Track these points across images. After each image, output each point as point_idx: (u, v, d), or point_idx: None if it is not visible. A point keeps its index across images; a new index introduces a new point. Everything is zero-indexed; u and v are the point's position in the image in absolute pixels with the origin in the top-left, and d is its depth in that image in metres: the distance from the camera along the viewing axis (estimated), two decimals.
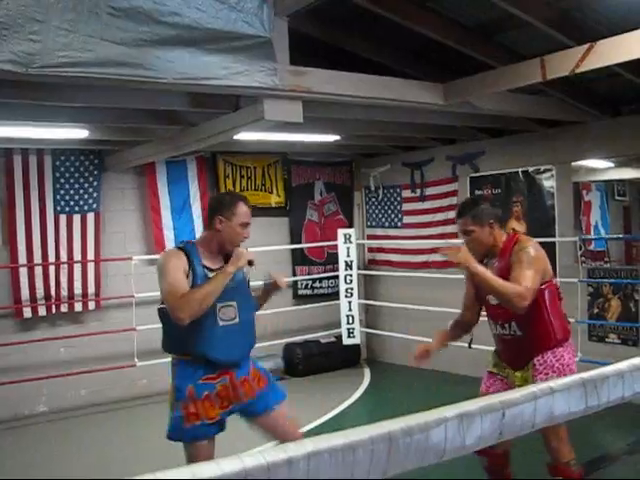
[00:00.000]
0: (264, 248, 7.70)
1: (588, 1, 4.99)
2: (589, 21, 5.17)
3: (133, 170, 8.43)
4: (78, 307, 7.99)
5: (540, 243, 4.09)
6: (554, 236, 7.61)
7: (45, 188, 7.75)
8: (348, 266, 9.17)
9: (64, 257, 7.87)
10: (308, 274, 9.71)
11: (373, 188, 10.05)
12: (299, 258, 9.66)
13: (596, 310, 7.40)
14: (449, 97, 5.87)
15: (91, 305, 8.10)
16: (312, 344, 9.40)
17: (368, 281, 10.23)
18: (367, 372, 9.42)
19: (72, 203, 7.93)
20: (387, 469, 1.32)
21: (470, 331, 4.40)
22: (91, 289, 8.06)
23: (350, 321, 9.15)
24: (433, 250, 9.08)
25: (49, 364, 7.64)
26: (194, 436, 3.62)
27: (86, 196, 8.02)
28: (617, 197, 8.00)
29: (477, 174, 8.61)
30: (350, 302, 9.17)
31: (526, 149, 8.02)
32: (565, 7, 5.03)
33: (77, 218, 7.97)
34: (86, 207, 8.02)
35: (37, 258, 7.69)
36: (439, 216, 9.10)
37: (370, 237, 10.24)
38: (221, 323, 3.66)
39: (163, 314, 3.69)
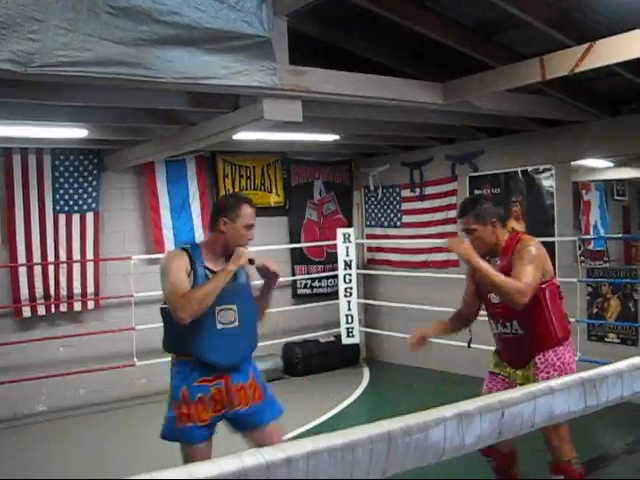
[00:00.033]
0: (263, 247, 7.71)
1: (587, 1, 4.99)
2: (588, 21, 5.17)
3: (132, 170, 8.43)
4: (77, 306, 7.99)
5: (540, 242, 4.10)
6: (553, 236, 7.61)
7: (44, 187, 7.75)
8: (347, 265, 9.17)
9: (63, 256, 7.87)
10: (307, 273, 9.71)
11: (372, 187, 10.05)
12: (298, 257, 9.66)
13: (595, 310, 7.40)
14: (448, 97, 5.87)
15: (90, 305, 8.09)
16: (311, 344, 9.39)
17: (367, 280, 10.23)
18: (366, 371, 9.42)
19: (71, 202, 7.93)
20: (386, 468, 1.32)
21: (469, 326, 4.39)
22: (90, 288, 8.05)
23: (349, 320, 9.14)
24: (432, 249, 9.10)
25: (48, 363, 7.64)
26: (185, 437, 3.61)
27: (85, 195, 8.01)
28: (616, 197, 8.00)
29: (476, 174, 8.61)
30: (349, 301, 9.16)
31: (525, 149, 8.02)
32: (564, 7, 5.03)
33: (76, 217, 7.96)
34: (85, 207, 8.02)
35: (36, 257, 7.69)
36: (438, 215, 9.10)
37: (369, 236, 10.24)
38: (219, 326, 3.64)
39: (165, 314, 3.70)
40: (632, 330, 7.15)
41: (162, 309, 3.74)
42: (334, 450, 1.24)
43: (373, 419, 1.41)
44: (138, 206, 8.56)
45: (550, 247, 6.99)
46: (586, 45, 4.82)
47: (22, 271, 7.61)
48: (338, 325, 9.20)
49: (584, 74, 5.22)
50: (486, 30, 5.71)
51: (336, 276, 9.43)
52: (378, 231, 10.09)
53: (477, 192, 8.53)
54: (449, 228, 8.80)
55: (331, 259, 9.68)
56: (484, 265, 3.79)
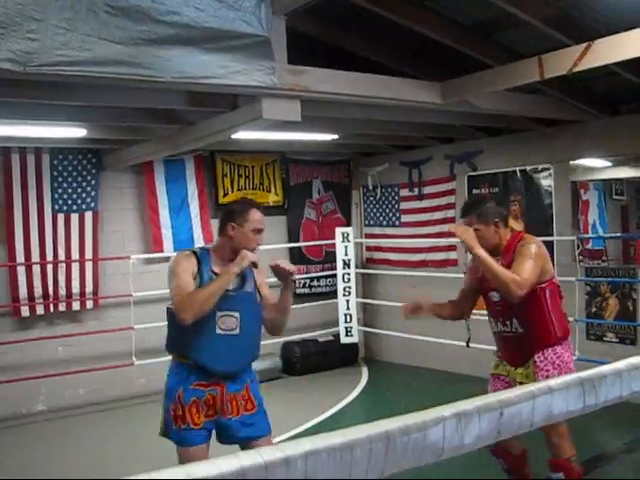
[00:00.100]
0: (262, 247, 7.65)
1: (586, 0, 4.99)
2: (587, 20, 5.17)
3: (131, 169, 8.43)
4: (76, 306, 7.99)
5: (541, 242, 4.12)
6: (552, 235, 7.61)
7: (43, 187, 7.74)
8: (346, 265, 9.18)
9: (62, 256, 7.87)
10: (306, 273, 9.71)
11: (371, 187, 10.06)
12: (297, 257, 9.65)
13: (594, 309, 7.40)
14: (447, 96, 5.87)
15: (89, 304, 8.09)
16: (310, 343, 9.40)
17: (366, 280, 10.24)
18: (365, 371, 9.43)
19: (70, 202, 7.93)
20: (385, 468, 1.32)
21: (457, 318, 4.40)
22: (89, 288, 8.05)
23: (348, 320, 9.15)
24: (431, 249, 9.10)
25: (47, 363, 7.64)
26: (180, 439, 3.61)
27: (84, 195, 8.01)
28: (615, 196, 8.00)
29: (475, 173, 8.62)
30: (348, 301, 9.17)
31: (524, 148, 8.02)
32: (563, 6, 5.03)
33: (75, 217, 7.96)
34: (84, 206, 8.02)
35: (35, 257, 7.68)
36: (437, 215, 9.10)
37: (368, 236, 10.24)
38: (219, 332, 3.62)
39: (170, 314, 3.69)
40: (630, 329, 7.16)
41: (168, 309, 3.74)
42: (333, 450, 1.23)
43: (372, 418, 1.41)
44: (137, 205, 8.56)
45: (549, 246, 6.97)
46: (585, 44, 4.82)
47: (21, 270, 7.61)
48: (337, 324, 9.21)
49: (583, 73, 5.22)
50: (484, 29, 5.71)
51: (335, 275, 9.43)
52: (377, 230, 10.09)
53: (476, 191, 8.53)
54: (447, 227, 8.79)
55: (330, 258, 9.68)
56: (485, 254, 3.83)
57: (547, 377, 3.81)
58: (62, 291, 7.86)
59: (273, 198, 9.48)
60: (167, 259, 8.26)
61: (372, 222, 10.16)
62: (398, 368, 9.51)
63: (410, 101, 5.83)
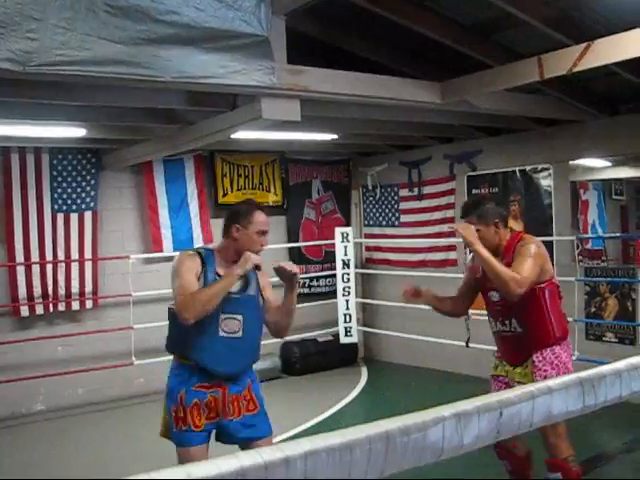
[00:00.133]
0: None
1: (586, 0, 4.99)
2: (587, 20, 5.17)
3: (131, 169, 8.43)
4: (75, 306, 7.99)
5: (541, 242, 4.13)
6: (551, 235, 7.62)
7: (42, 187, 7.74)
8: (345, 265, 9.18)
9: (61, 256, 7.86)
10: (305, 273, 9.69)
11: (370, 187, 10.06)
12: (296, 257, 9.64)
13: (593, 309, 7.40)
14: (446, 96, 5.87)
15: (88, 304, 8.09)
16: (309, 343, 9.39)
17: (365, 280, 10.24)
18: (364, 371, 9.43)
19: (69, 202, 7.93)
20: (384, 468, 1.32)
21: (454, 314, 4.40)
22: (88, 288, 8.05)
23: (347, 320, 9.15)
24: (430, 249, 9.10)
25: (46, 363, 7.64)
26: (180, 440, 3.60)
27: (83, 195, 8.01)
28: (614, 196, 8.01)
29: (475, 173, 8.62)
30: (347, 301, 9.17)
31: (524, 148, 8.03)
32: (563, 6, 5.03)
33: (74, 217, 7.96)
34: (83, 206, 8.01)
35: (34, 257, 7.68)
36: (436, 215, 9.10)
37: (367, 236, 10.24)
38: (222, 334, 3.61)
39: (171, 314, 3.69)
40: (630, 329, 7.16)
41: (170, 309, 3.73)
42: (332, 450, 1.23)
43: (371, 418, 1.41)
44: (136, 205, 8.56)
45: (548, 246, 6.97)
46: (584, 44, 4.82)
47: (20, 270, 7.60)
48: (336, 324, 9.21)
49: (582, 73, 5.22)
50: (484, 29, 5.71)
51: (334, 275, 9.43)
52: (376, 230, 10.09)
53: (475, 191, 8.54)
54: (446, 227, 8.80)
55: (329, 258, 9.68)
56: (485, 252, 3.85)
57: (545, 377, 3.83)
58: (61, 291, 7.86)
59: (272, 198, 9.47)
60: (166, 259, 8.28)
61: (371, 222, 10.16)
62: (398, 368, 9.51)
63: (410, 101, 5.83)
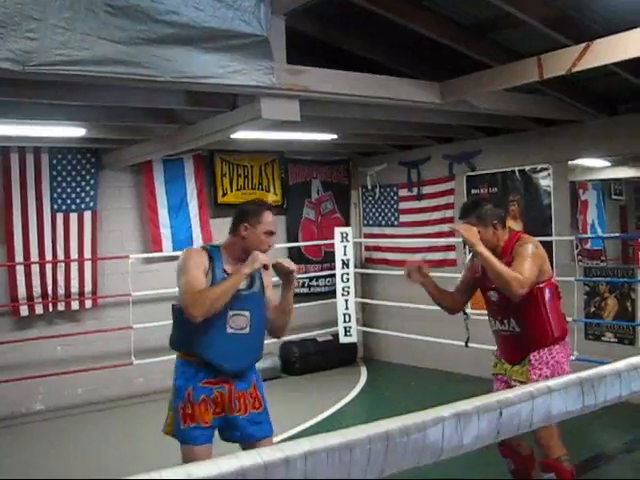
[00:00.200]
0: None
1: (585, 0, 4.99)
2: (586, 20, 5.17)
3: (130, 168, 8.42)
4: (75, 305, 7.99)
5: (539, 242, 4.15)
6: (551, 235, 7.62)
7: (42, 186, 7.74)
8: (345, 265, 9.18)
9: (61, 255, 7.86)
10: (305, 272, 9.69)
11: (370, 187, 10.06)
12: (296, 256, 9.63)
13: (593, 309, 7.41)
14: (445, 96, 5.87)
15: (88, 303, 8.09)
16: (309, 343, 9.40)
17: (365, 280, 10.24)
18: (364, 370, 9.43)
19: (69, 201, 7.92)
20: (384, 468, 1.32)
21: (450, 309, 4.40)
22: (88, 287, 8.05)
23: (347, 320, 9.15)
24: (430, 249, 9.10)
25: (46, 362, 7.64)
26: (188, 438, 3.60)
27: (83, 194, 8.01)
28: (614, 196, 8.01)
29: (474, 173, 8.62)
30: (347, 300, 9.17)
31: (523, 148, 8.03)
32: (562, 6, 5.03)
33: (74, 216, 7.96)
34: (83, 205, 8.01)
35: (34, 256, 7.68)
36: (436, 215, 9.11)
37: (367, 236, 10.25)
38: (229, 330, 3.63)
39: (176, 311, 3.69)
40: (629, 329, 7.16)
41: (174, 306, 3.74)
42: (332, 450, 1.24)
43: (371, 418, 1.41)
44: (136, 205, 8.56)
45: (548, 246, 6.99)
46: (583, 45, 4.83)
47: (20, 270, 7.60)
48: (336, 324, 9.21)
49: (581, 73, 5.22)
50: (483, 29, 5.72)
51: (334, 275, 9.43)
52: (376, 230, 10.10)
53: (474, 191, 8.54)
54: (446, 227, 8.80)
55: (329, 258, 9.68)
56: (487, 252, 3.87)
57: (539, 376, 3.88)
58: (61, 290, 7.86)
59: (272, 198, 9.46)
60: (166, 259, 8.29)
61: (371, 222, 10.16)
62: (397, 368, 9.52)
63: (409, 101, 5.83)
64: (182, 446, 3.63)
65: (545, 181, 7.82)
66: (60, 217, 7.88)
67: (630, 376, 1.78)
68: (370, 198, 10.12)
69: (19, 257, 7.60)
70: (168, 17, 4.00)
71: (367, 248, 10.27)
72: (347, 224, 10.07)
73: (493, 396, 1.56)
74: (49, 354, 7.73)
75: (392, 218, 9.79)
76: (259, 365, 3.97)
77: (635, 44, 4.55)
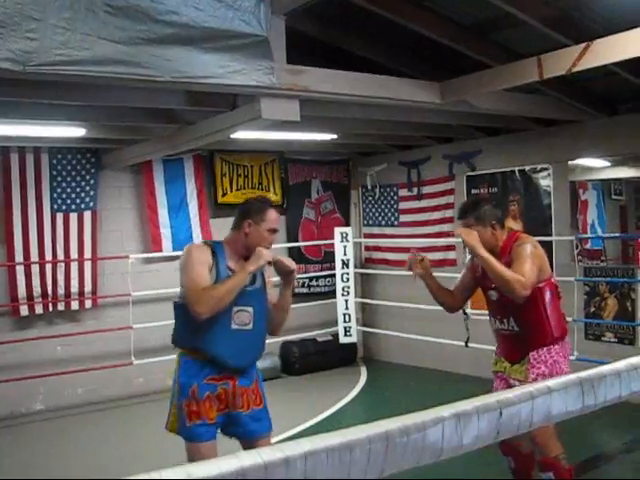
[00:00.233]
0: None
1: (585, 0, 4.99)
2: (586, 20, 5.17)
3: (130, 168, 8.43)
4: (75, 305, 7.99)
5: (537, 242, 4.15)
6: (551, 235, 7.62)
7: (42, 186, 7.74)
8: (345, 265, 9.18)
9: (61, 255, 7.86)
10: (305, 272, 9.69)
11: (370, 187, 10.06)
12: (296, 256, 9.61)
13: (592, 309, 7.41)
14: (446, 96, 5.87)
15: (88, 303, 8.09)
16: (309, 343, 9.40)
17: (365, 280, 10.24)
18: (364, 370, 9.43)
19: (69, 201, 7.92)
20: (384, 468, 1.32)
21: (448, 307, 4.40)
22: (88, 287, 8.05)
23: (347, 320, 9.15)
24: (430, 249, 9.09)
25: (46, 362, 7.64)
26: (192, 435, 3.60)
27: (83, 194, 8.01)
28: (614, 196, 8.01)
29: (474, 173, 8.62)
30: (347, 300, 9.17)
31: (523, 148, 8.03)
32: (562, 6, 5.03)
33: (74, 216, 7.96)
34: (83, 205, 8.01)
35: (34, 256, 7.68)
36: (436, 215, 9.11)
37: (367, 236, 10.25)
38: (234, 327, 3.64)
39: (179, 307, 3.69)
40: (629, 329, 7.16)
41: (175, 303, 3.74)
42: (332, 450, 1.24)
43: (370, 418, 1.41)
44: (136, 205, 8.56)
45: (547, 246, 7.00)
46: (583, 45, 4.83)
47: (20, 270, 7.60)
48: (335, 324, 9.21)
49: (581, 73, 5.22)
50: (483, 29, 5.72)
51: (334, 275, 9.43)
52: (375, 230, 10.10)
53: (474, 191, 8.54)
54: (446, 227, 8.82)
55: (329, 258, 9.68)
56: (488, 256, 3.88)
57: (537, 374, 3.91)
58: (61, 290, 7.86)
59: (272, 198, 9.43)
60: (166, 259, 8.29)
61: (371, 222, 10.16)
62: (397, 368, 9.52)
63: (409, 101, 5.83)
64: (188, 444, 3.63)
65: (545, 181, 7.82)
66: (60, 217, 7.88)
67: (630, 376, 1.78)
68: (370, 198, 10.13)
69: (19, 257, 7.60)
70: (168, 17, 4.00)
71: (367, 248, 10.27)
72: (347, 224, 10.08)
73: (493, 396, 1.56)
74: (49, 354, 7.73)
75: (392, 218, 9.80)
76: (259, 365, 3.98)
77: (635, 44, 4.55)
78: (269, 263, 3.68)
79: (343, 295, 9.18)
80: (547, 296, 4.01)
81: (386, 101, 5.74)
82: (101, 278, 8.19)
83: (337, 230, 9.22)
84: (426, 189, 9.27)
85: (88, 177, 8.06)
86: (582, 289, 7.44)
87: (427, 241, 9.05)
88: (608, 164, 7.73)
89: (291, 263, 3.85)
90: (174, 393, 3.71)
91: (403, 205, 9.62)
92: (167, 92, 5.27)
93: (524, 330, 4.00)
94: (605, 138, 7.21)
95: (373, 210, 10.08)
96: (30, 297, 7.65)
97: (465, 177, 8.71)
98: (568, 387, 1.65)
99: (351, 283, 9.20)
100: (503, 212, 4.53)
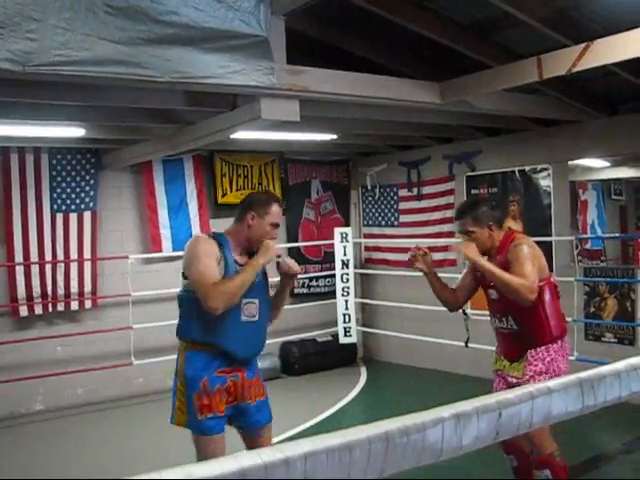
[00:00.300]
0: None
1: (585, 0, 4.99)
2: (585, 20, 5.17)
3: (130, 169, 8.42)
4: (75, 306, 7.99)
5: (536, 242, 4.21)
6: (551, 235, 7.62)
7: (42, 187, 7.74)
8: (345, 265, 9.18)
9: (61, 256, 7.86)
10: (305, 273, 9.68)
11: (370, 187, 10.06)
12: (296, 257, 9.59)
13: (592, 309, 7.41)
14: (446, 96, 5.87)
15: (88, 304, 8.09)
16: (308, 343, 9.39)
17: (365, 280, 10.24)
18: (363, 371, 9.43)
19: (69, 202, 7.92)
20: (384, 469, 1.32)
21: (449, 305, 4.42)
22: (88, 288, 8.05)
23: (346, 320, 9.15)
24: (429, 249, 9.09)
25: (46, 363, 7.63)
26: (204, 429, 3.59)
27: (83, 195, 8.01)
28: (613, 196, 8.01)
29: (474, 173, 8.62)
30: (347, 301, 9.17)
31: (523, 148, 8.03)
32: (561, 6, 5.03)
33: (74, 217, 7.95)
34: (83, 206, 8.01)
35: (34, 256, 7.68)
36: (436, 215, 9.11)
37: (367, 236, 10.25)
38: (243, 319, 3.67)
39: (186, 301, 3.69)
40: (629, 330, 7.16)
41: (180, 296, 3.75)
42: (332, 451, 1.24)
43: (370, 419, 1.41)
44: (135, 205, 8.56)
45: (547, 246, 7.01)
46: (583, 45, 4.83)
47: (19, 270, 7.60)
48: (335, 324, 9.21)
49: (581, 74, 5.22)
50: (483, 29, 5.71)
51: (333, 275, 9.43)
52: (375, 230, 10.09)
53: (474, 192, 8.54)
54: (446, 227, 8.82)
55: (328, 258, 9.68)
56: (491, 267, 3.93)
57: (534, 372, 3.96)
58: (61, 291, 7.86)
59: None
60: (166, 259, 8.30)
61: (371, 222, 10.16)
62: (397, 368, 9.51)
63: (409, 101, 5.83)
64: (198, 437, 3.62)
65: (545, 181, 7.82)
66: (60, 217, 7.88)
67: (630, 376, 1.78)
68: (370, 198, 10.12)
69: (19, 257, 7.60)
70: (168, 17, 4.00)
71: (367, 248, 10.27)
72: (347, 224, 10.08)
73: (492, 397, 1.56)
74: (49, 354, 7.73)
75: (392, 218, 9.79)
76: (259, 365, 4.00)
77: (635, 44, 4.55)
78: (278, 256, 3.74)
79: (343, 295, 9.18)
80: (546, 295, 4.03)
81: (386, 101, 5.74)
82: (101, 278, 8.19)
83: (337, 230, 9.22)
84: (426, 189, 9.27)
85: (88, 177, 8.05)
86: (582, 289, 7.43)
87: (427, 241, 9.02)
88: (608, 164, 7.73)
89: (295, 266, 3.89)
90: (180, 387, 3.69)
91: (403, 205, 9.62)
92: (167, 92, 5.27)
93: (523, 329, 4.03)
94: (605, 138, 7.21)
95: (373, 210, 10.08)
96: (30, 297, 7.65)
97: (465, 177, 8.71)
98: (568, 387, 1.65)
99: (351, 283, 9.20)
100: (502, 212, 4.55)
